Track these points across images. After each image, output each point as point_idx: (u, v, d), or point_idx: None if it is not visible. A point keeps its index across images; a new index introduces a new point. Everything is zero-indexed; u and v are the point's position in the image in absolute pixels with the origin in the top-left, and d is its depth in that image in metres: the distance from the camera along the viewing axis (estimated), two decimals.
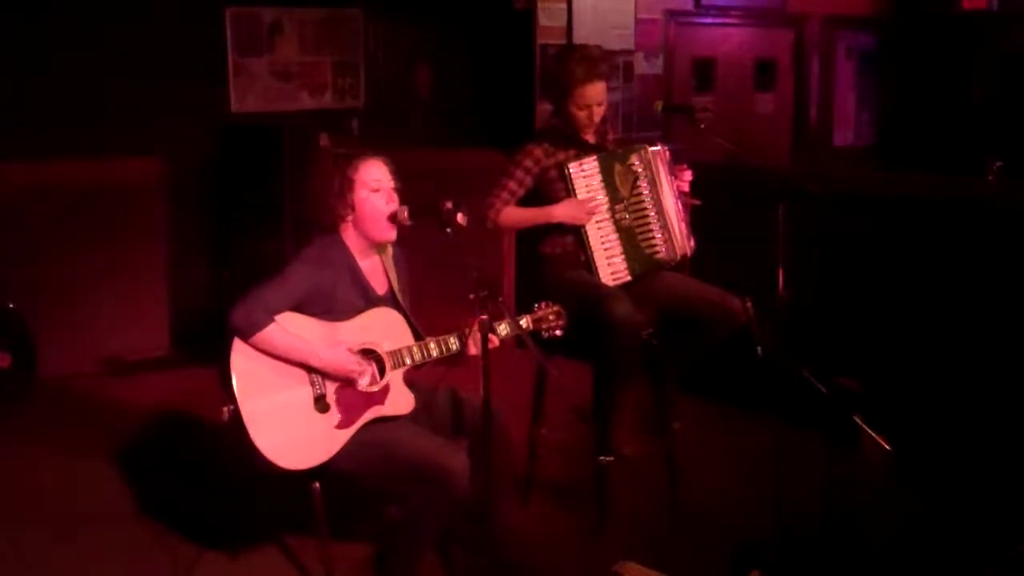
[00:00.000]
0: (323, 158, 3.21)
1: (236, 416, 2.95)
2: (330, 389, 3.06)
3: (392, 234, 3.15)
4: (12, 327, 5.24)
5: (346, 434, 3.05)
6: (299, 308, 3.03)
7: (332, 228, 3.16)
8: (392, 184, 3.15)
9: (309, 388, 3.04)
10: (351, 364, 3.04)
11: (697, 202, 3.90)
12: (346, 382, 3.06)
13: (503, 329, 3.14)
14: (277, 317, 2.97)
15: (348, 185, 3.10)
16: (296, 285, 3.03)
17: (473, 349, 3.10)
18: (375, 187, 3.11)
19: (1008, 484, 3.88)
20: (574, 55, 3.76)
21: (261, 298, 2.97)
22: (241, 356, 2.97)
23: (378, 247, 3.22)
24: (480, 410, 2.83)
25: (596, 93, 3.69)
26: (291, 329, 3.00)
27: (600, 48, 3.77)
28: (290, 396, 3.01)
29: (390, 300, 3.23)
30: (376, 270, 3.23)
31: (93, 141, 5.60)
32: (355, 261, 3.16)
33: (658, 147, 3.85)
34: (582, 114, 3.72)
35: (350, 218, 3.13)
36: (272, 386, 2.99)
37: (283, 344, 2.97)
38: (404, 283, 3.29)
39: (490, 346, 2.82)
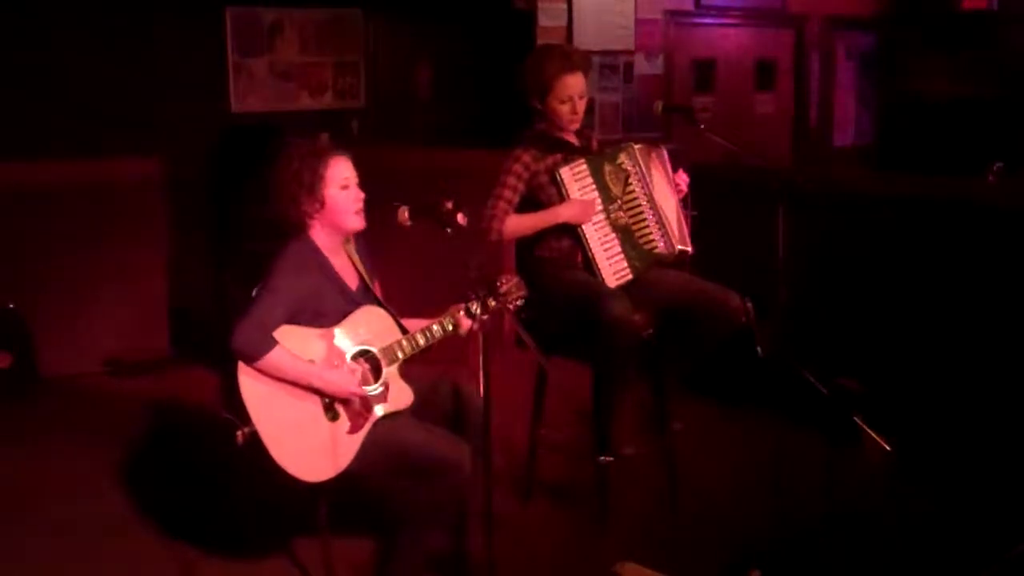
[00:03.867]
0: (290, 154, 3.16)
1: (254, 438, 2.93)
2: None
3: (361, 223, 3.16)
4: (12, 327, 5.25)
5: (359, 438, 3.06)
6: (290, 319, 3.02)
7: (299, 226, 3.13)
8: (357, 180, 3.16)
9: (318, 399, 3.04)
10: (352, 384, 3.04)
11: (692, 213, 3.89)
12: (345, 401, 3.04)
13: (475, 307, 3.10)
14: (275, 334, 2.96)
15: (318, 182, 3.09)
16: (286, 297, 3.01)
17: (466, 325, 3.15)
18: (344, 184, 3.12)
19: (1008, 484, 3.88)
20: (547, 52, 3.82)
21: (257, 319, 2.95)
22: (248, 377, 2.96)
23: (345, 240, 3.23)
24: (480, 406, 2.83)
25: (575, 83, 3.70)
26: (290, 343, 2.98)
27: (573, 46, 3.80)
28: (302, 410, 3.01)
29: (364, 294, 3.23)
30: (346, 266, 3.24)
31: (93, 141, 5.61)
32: (328, 261, 3.16)
33: (657, 146, 3.85)
34: (565, 107, 3.71)
35: (317, 214, 3.12)
36: (284, 403, 2.98)
37: (288, 368, 2.97)
38: (369, 270, 3.29)
39: (473, 329, 2.80)
